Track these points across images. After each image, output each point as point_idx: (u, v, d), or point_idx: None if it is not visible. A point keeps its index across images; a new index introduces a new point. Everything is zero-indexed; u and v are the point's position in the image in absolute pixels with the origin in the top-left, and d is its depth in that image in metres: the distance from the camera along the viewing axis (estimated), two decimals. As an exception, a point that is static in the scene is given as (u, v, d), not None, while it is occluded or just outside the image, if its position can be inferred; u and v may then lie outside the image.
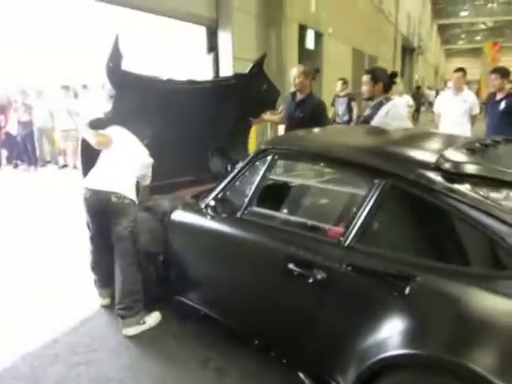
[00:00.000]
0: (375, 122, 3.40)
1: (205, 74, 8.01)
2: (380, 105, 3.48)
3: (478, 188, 1.71)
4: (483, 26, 37.11)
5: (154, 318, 2.89)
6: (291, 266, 1.98)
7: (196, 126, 3.57)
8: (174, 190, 3.29)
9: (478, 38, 39.75)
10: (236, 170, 2.48)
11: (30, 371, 2.49)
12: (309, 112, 3.83)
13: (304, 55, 10.70)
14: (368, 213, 1.87)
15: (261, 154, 2.36)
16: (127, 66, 2.93)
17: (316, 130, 2.79)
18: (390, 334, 1.65)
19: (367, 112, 3.62)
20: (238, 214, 2.34)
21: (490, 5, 34.25)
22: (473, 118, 5.41)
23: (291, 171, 2.78)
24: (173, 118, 3.28)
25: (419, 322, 1.62)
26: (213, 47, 8.40)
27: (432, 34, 33.72)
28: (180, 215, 2.66)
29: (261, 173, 2.32)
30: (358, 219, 1.89)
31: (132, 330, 2.77)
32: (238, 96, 3.84)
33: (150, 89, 3.14)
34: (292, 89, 4.08)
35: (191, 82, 3.50)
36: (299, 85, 3.92)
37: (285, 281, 2.03)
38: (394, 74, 3.72)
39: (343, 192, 2.32)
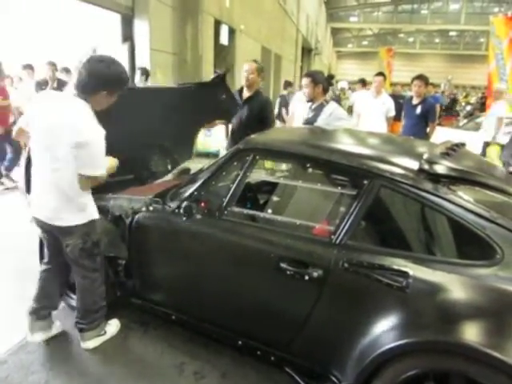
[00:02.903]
0: (319, 123, 3.57)
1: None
2: (321, 107, 3.68)
3: (456, 187, 1.93)
4: (370, 32, 40.53)
5: (114, 326, 2.70)
6: (283, 265, 2.01)
7: (145, 126, 3.43)
8: (115, 189, 3.11)
9: (365, 42, 43.31)
10: (211, 170, 2.43)
11: (-20, 399, 2.19)
12: (257, 110, 3.87)
13: (218, 50, 10.70)
14: (358, 211, 1.98)
15: (240, 154, 2.34)
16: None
17: (294, 129, 2.84)
18: (390, 326, 1.78)
19: (309, 114, 3.80)
20: (217, 215, 2.30)
21: (375, 13, 37.71)
22: (389, 120, 5.91)
23: (267, 170, 2.80)
24: (126, 117, 3.11)
25: (415, 312, 1.78)
26: (128, 36, 7.99)
27: (326, 36, 35.82)
28: (148, 217, 2.52)
29: (240, 173, 2.30)
30: (348, 217, 1.99)
31: (92, 343, 2.56)
32: (194, 101, 3.77)
33: None
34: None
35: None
36: (251, 81, 3.95)
37: (277, 279, 2.06)
38: (330, 77, 3.95)
39: (326, 191, 2.39)
